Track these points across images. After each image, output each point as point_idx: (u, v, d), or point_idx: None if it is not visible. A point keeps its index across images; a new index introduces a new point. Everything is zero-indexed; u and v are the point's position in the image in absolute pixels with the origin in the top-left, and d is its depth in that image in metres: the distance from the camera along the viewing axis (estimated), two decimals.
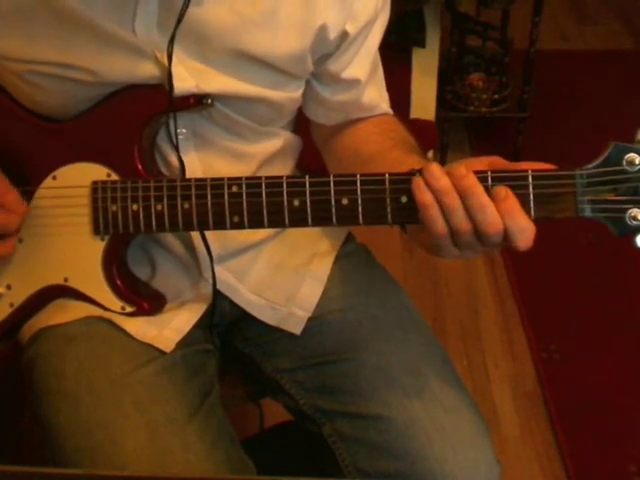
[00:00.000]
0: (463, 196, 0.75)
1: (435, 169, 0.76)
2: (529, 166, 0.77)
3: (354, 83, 0.99)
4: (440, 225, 0.76)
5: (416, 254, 2.23)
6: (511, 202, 0.75)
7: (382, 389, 0.96)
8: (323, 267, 1.07)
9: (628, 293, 2.10)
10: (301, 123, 1.07)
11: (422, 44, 2.34)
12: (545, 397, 1.82)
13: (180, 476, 0.86)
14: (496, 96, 2.51)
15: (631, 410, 1.77)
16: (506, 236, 0.75)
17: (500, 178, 0.76)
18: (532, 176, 0.76)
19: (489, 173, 0.76)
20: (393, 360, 0.99)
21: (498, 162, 0.79)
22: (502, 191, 0.75)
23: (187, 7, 0.83)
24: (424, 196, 0.76)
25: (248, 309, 1.03)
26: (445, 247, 0.78)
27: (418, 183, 0.77)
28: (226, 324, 1.07)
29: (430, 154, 2.56)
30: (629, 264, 2.09)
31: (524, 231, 0.74)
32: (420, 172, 0.77)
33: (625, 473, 1.64)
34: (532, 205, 0.76)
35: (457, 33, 2.49)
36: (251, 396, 1.16)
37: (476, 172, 0.76)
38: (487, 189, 0.75)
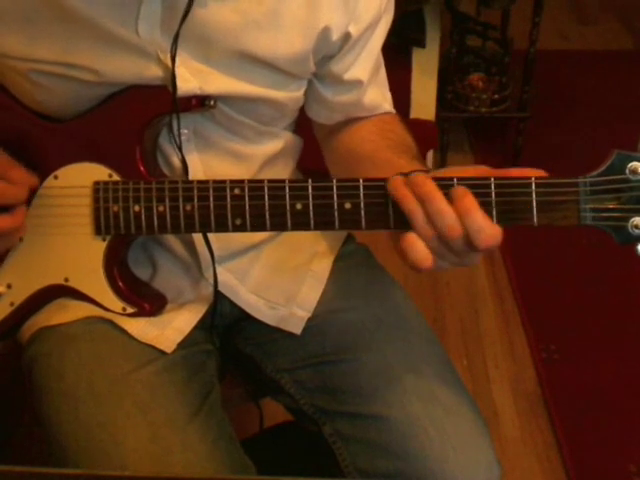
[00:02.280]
0: (422, 202, 0.74)
1: (397, 181, 0.76)
2: (517, 172, 0.76)
3: (356, 84, 0.99)
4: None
5: None
6: (467, 201, 0.73)
7: (382, 389, 0.96)
8: (323, 267, 1.07)
9: (628, 293, 2.10)
10: (302, 123, 1.07)
11: (422, 44, 2.34)
12: (545, 397, 1.82)
13: (180, 476, 0.86)
14: (496, 96, 2.51)
15: (631, 410, 1.77)
16: (467, 237, 0.74)
17: (503, 185, 0.75)
18: (535, 184, 0.75)
19: (492, 179, 0.75)
20: (393, 360, 0.99)
21: (482, 171, 0.77)
22: (460, 191, 0.74)
23: (190, 8, 0.83)
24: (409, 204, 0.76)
25: (248, 309, 1.03)
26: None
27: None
28: (226, 324, 1.07)
29: (430, 154, 2.56)
30: (629, 264, 2.09)
31: (481, 230, 0.73)
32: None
33: (625, 473, 1.64)
34: (535, 212, 0.75)
35: (457, 33, 2.49)
36: (251, 396, 1.16)
37: (479, 178, 0.75)
38: (475, 195, 0.74)
